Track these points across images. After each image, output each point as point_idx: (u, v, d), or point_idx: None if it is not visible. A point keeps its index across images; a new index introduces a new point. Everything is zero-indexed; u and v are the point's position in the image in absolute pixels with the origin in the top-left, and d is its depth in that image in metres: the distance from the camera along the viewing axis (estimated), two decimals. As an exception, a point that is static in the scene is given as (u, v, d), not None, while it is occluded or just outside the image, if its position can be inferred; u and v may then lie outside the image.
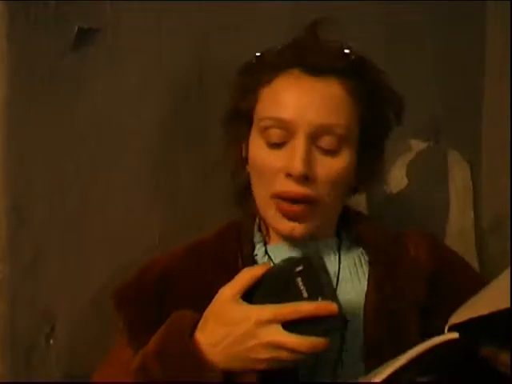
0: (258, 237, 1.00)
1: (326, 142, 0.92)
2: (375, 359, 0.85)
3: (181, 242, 1.02)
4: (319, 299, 0.79)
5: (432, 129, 1.40)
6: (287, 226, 0.93)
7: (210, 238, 1.00)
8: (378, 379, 0.76)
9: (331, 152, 0.92)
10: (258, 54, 0.99)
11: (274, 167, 0.92)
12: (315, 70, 0.93)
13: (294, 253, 0.96)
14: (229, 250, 0.97)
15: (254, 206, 0.99)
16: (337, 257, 0.98)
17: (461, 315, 0.80)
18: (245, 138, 0.98)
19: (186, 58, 1.14)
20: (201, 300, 0.87)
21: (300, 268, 0.81)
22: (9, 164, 0.97)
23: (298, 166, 0.89)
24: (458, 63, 1.42)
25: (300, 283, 0.80)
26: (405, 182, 1.39)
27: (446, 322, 0.84)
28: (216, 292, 0.85)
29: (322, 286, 0.80)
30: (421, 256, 1.00)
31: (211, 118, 1.04)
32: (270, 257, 0.97)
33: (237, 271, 0.86)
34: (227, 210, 1.04)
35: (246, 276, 0.83)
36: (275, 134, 0.92)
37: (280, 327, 0.79)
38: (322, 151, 0.92)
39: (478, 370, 0.83)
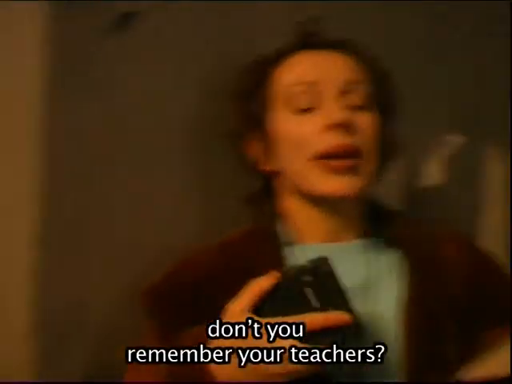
0: (285, 238, 0.96)
1: (353, 99, 0.93)
2: (415, 365, 0.84)
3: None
4: (330, 309, 0.77)
5: (468, 123, 1.38)
6: (336, 182, 0.90)
7: (239, 238, 0.97)
8: None
9: (360, 108, 0.93)
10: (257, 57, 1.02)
11: (311, 130, 0.91)
12: (324, 46, 0.97)
13: (323, 254, 0.89)
14: (259, 252, 0.93)
15: (273, 206, 0.99)
16: (368, 260, 0.94)
17: (469, 372, 0.79)
18: (261, 129, 0.97)
19: (233, 44, 1.12)
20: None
21: (308, 278, 0.78)
22: (50, 154, 0.97)
23: (338, 114, 0.90)
24: (490, 58, 1.38)
25: (310, 293, 0.78)
26: (440, 177, 1.37)
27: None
28: None
29: (332, 295, 0.78)
30: (457, 257, 0.96)
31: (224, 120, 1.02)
32: (297, 259, 0.92)
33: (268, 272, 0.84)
34: (247, 214, 1.01)
35: (253, 289, 0.80)
36: (303, 99, 0.92)
37: (292, 340, 0.76)
38: (351, 108, 0.92)
39: None
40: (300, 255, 0.92)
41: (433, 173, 1.37)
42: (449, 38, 1.34)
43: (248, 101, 0.98)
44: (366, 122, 0.93)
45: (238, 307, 0.80)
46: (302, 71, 0.95)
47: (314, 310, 0.77)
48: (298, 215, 0.96)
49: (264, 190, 1.00)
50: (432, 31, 1.33)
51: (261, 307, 0.79)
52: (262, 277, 0.80)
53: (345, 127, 0.90)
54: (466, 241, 1.01)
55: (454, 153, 1.38)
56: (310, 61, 0.96)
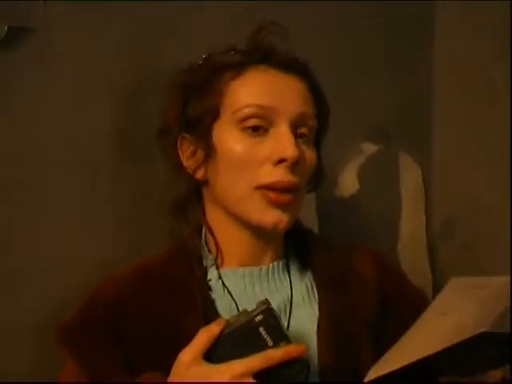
0: (209, 260, 0.96)
1: (302, 131, 0.93)
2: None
3: (122, 264, 0.97)
4: (282, 344, 0.81)
5: (382, 132, 1.39)
6: (274, 215, 0.90)
7: (160, 261, 0.95)
8: None
9: (306, 141, 0.93)
10: (204, 55, 0.97)
11: (259, 157, 0.90)
12: (282, 67, 0.94)
13: (246, 278, 0.94)
14: (182, 275, 0.93)
15: (197, 216, 0.96)
16: (288, 281, 0.96)
17: (378, 369, 0.80)
18: (204, 137, 0.93)
19: (125, 62, 1.09)
20: (157, 330, 0.87)
21: (260, 317, 0.81)
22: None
23: (292, 151, 0.88)
24: (407, 67, 1.41)
25: (263, 332, 0.81)
26: (356, 186, 1.37)
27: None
28: (172, 321, 0.87)
29: (283, 331, 0.82)
30: (366, 272, 0.99)
31: (152, 129, 0.99)
32: (223, 282, 0.94)
33: (193, 298, 0.89)
34: (170, 228, 0.99)
35: (204, 337, 0.81)
36: (254, 121, 0.90)
37: (252, 379, 0.78)
38: (300, 141, 0.92)
39: None
40: (229, 277, 0.94)
41: (348, 182, 1.37)
42: (359, 43, 1.35)
43: (194, 101, 0.94)
44: (309, 157, 0.93)
45: (190, 357, 0.80)
46: (258, 92, 0.91)
47: (268, 348, 0.80)
48: (221, 234, 0.95)
49: (190, 197, 0.98)
50: (351, 42, 1.33)
51: (213, 353, 0.81)
52: (211, 324, 0.82)
53: (295, 164, 0.89)
54: (375, 255, 1.03)
55: (370, 162, 1.38)
56: (268, 82, 0.92)
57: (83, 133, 1.05)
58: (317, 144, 0.99)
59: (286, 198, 0.90)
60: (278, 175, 0.89)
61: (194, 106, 0.93)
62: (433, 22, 1.42)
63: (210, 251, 0.96)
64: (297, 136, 0.91)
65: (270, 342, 0.80)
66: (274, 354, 0.79)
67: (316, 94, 0.97)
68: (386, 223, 1.41)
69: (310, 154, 0.93)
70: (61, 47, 1.03)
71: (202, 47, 1.02)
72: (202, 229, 0.97)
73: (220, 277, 0.94)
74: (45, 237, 1.03)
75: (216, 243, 0.95)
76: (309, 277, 0.98)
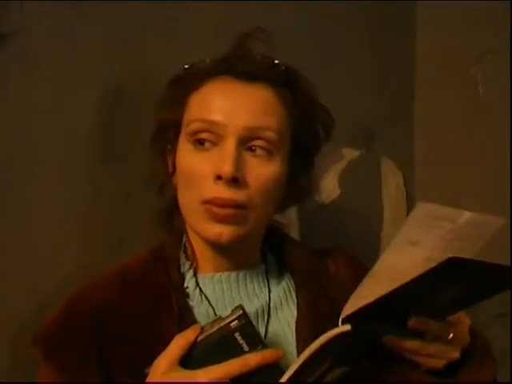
0: (186, 266, 0.96)
1: (257, 145, 0.90)
2: None
3: (100, 266, 0.96)
4: (259, 348, 0.81)
5: (364, 137, 1.39)
6: (215, 229, 0.89)
7: (139, 266, 0.95)
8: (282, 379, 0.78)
9: (262, 157, 0.90)
10: (186, 65, 0.95)
11: (202, 171, 0.89)
12: (246, 76, 0.92)
13: (224, 284, 0.94)
14: (160, 282, 0.93)
15: (181, 223, 0.96)
16: (266, 285, 0.97)
17: (351, 305, 0.81)
18: (172, 148, 0.94)
19: (105, 66, 1.09)
20: (135, 335, 0.88)
21: (235, 323, 0.81)
22: None
23: (227, 168, 0.86)
24: (389, 73, 1.42)
25: (239, 338, 0.81)
26: (337, 191, 1.37)
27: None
28: (150, 326, 0.88)
29: (259, 336, 0.83)
30: (341, 271, 1.00)
31: (132, 130, 0.98)
32: (200, 289, 0.94)
33: (169, 304, 0.89)
34: (149, 229, 0.98)
35: (180, 343, 0.81)
36: (202, 135, 0.90)
37: None
38: (252, 155, 0.90)
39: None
40: (206, 284, 0.94)
41: (329, 187, 1.36)
42: (342, 49, 1.35)
43: (165, 112, 0.94)
44: (261, 173, 0.90)
45: (166, 362, 0.80)
46: (209, 107, 0.90)
47: (245, 353, 0.81)
48: (194, 242, 0.96)
49: (173, 206, 0.97)
50: (334, 39, 1.33)
51: (189, 358, 0.81)
52: (186, 330, 0.83)
53: (232, 181, 0.87)
54: (349, 255, 1.04)
55: (351, 167, 1.38)
56: (222, 95, 0.91)
57: (61, 132, 1.05)
58: (303, 158, 0.96)
59: (226, 212, 0.88)
60: (216, 191, 0.88)
61: (170, 115, 0.94)
62: (414, 20, 1.43)
63: (187, 258, 0.96)
64: (248, 150, 0.90)
65: (246, 348, 0.81)
66: (251, 359, 0.80)
67: (297, 104, 0.94)
68: (368, 227, 1.42)
69: (263, 170, 0.90)
70: (40, 49, 1.02)
71: (186, 48, 1.02)
72: (182, 235, 0.97)
73: (197, 283, 0.94)
74: (24, 236, 1.02)
75: (193, 250, 0.95)
76: (286, 280, 0.98)
